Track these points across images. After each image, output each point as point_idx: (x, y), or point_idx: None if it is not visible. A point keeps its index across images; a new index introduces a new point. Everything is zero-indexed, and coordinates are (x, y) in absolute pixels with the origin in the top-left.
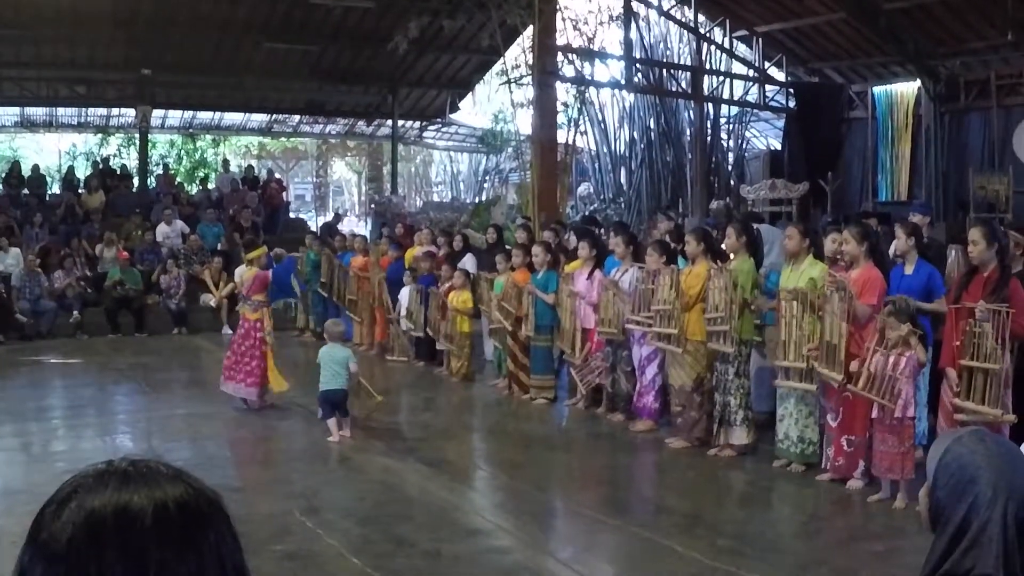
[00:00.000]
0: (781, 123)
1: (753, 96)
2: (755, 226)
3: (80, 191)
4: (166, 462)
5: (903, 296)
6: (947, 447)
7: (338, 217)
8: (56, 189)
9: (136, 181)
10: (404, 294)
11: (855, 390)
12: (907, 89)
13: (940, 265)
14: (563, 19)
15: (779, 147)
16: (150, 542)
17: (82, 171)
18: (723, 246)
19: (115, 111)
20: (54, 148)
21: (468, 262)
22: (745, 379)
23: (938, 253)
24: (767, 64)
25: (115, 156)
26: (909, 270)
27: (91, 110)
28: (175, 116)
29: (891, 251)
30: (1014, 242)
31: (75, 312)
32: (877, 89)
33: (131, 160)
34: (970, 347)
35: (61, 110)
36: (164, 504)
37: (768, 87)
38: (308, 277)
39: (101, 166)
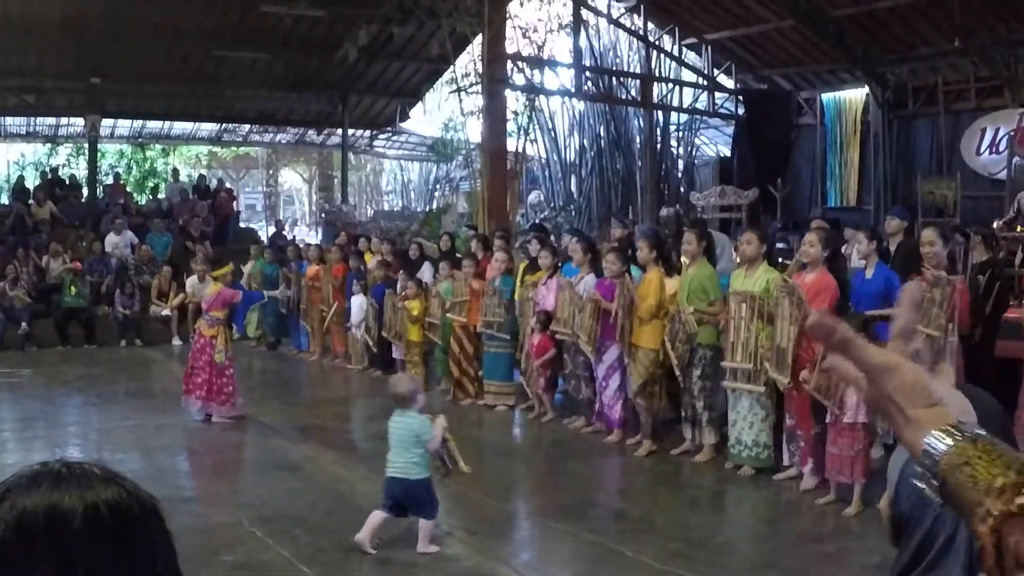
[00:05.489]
0: (730, 130)
1: (702, 103)
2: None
3: (30, 202)
4: (101, 465)
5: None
6: (908, 456)
7: (280, 225)
8: (4, 199)
9: (85, 191)
10: (355, 304)
11: (808, 390)
12: (855, 96)
13: (916, 267)
14: (513, 27)
15: (728, 154)
16: (79, 543)
17: (31, 181)
18: (683, 252)
19: (64, 120)
20: (2, 158)
21: (426, 271)
22: (708, 381)
23: (914, 255)
24: (716, 72)
25: (64, 166)
26: (869, 274)
27: (40, 119)
28: (124, 125)
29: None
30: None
31: (23, 324)
32: (826, 96)
33: (80, 170)
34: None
35: (9, 120)
36: (95, 505)
37: (717, 94)
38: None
39: (50, 176)
